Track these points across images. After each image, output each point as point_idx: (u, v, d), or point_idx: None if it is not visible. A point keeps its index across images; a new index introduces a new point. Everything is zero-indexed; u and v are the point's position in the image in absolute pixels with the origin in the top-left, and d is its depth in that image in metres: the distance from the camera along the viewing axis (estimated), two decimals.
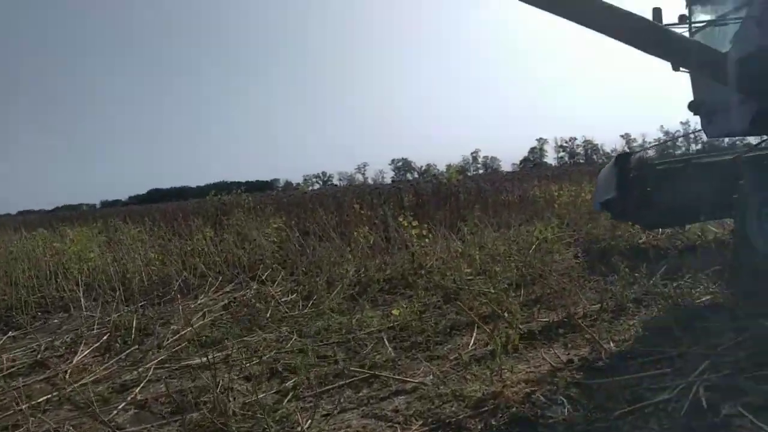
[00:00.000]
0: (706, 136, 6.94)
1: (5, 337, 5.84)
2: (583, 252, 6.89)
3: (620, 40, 5.90)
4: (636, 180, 6.83)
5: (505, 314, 4.98)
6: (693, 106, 6.64)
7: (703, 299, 4.88)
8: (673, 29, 6.34)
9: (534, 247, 6.82)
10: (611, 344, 4.08)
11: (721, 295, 4.95)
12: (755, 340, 3.92)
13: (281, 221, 12.09)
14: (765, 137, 6.72)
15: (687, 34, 6.60)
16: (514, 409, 3.09)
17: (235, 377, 4.00)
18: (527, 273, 6.10)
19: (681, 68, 6.44)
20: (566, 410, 3.09)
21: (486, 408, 3.14)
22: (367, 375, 3.79)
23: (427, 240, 7.52)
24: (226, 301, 6.73)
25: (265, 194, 20.91)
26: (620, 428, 2.84)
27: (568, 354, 4.06)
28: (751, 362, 3.58)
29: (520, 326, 4.48)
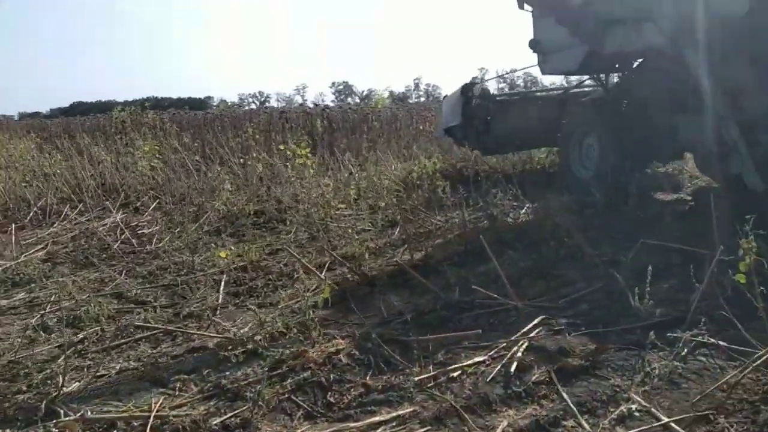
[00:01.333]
0: (542, 73, 7.39)
1: None
2: (467, 187, 6.59)
3: None
4: (478, 109, 7.35)
5: (366, 255, 4.66)
6: (532, 44, 6.92)
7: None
8: None
9: (415, 181, 6.45)
10: (456, 292, 3.77)
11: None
12: (602, 293, 3.72)
13: (177, 144, 11.19)
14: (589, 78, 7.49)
15: None
16: (308, 373, 2.72)
17: (26, 326, 3.48)
18: (401, 210, 5.72)
19: (525, 7, 6.69)
20: (369, 374, 2.76)
21: (279, 371, 2.77)
22: (173, 328, 3.34)
23: (311, 171, 6.99)
24: (77, 232, 6.06)
25: (166, 112, 19.44)
26: (412, 399, 2.52)
27: (409, 303, 3.74)
28: (589, 318, 3.37)
29: (365, 271, 4.12)
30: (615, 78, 7.19)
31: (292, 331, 3.08)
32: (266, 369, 2.81)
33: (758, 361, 2.58)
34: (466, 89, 7.44)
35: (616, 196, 5.69)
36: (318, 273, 3.84)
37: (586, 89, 7.76)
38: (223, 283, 4.14)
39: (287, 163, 7.09)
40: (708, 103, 4.88)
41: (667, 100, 5.72)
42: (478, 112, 7.36)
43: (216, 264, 4.59)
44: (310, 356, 2.84)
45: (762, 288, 2.61)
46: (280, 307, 3.53)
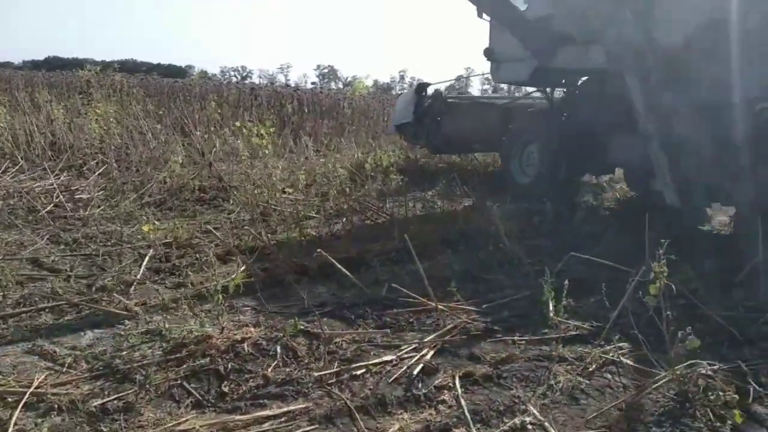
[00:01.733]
0: (494, 81, 7.91)
1: None
2: (423, 183, 6.57)
3: None
4: (430, 109, 7.66)
5: (303, 243, 4.57)
6: (487, 53, 7.16)
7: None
8: None
9: (369, 173, 6.37)
10: (384, 289, 3.71)
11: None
12: (527, 302, 3.70)
13: (138, 109, 10.85)
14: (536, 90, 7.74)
15: None
16: (206, 359, 2.63)
17: None
18: (348, 200, 5.64)
19: (483, 17, 6.86)
20: (272, 365, 2.68)
21: (178, 355, 2.67)
22: (77, 301, 3.20)
23: (266, 151, 6.84)
24: (10, 191, 5.82)
25: (133, 75, 18.80)
26: (308, 395, 2.45)
27: (334, 295, 3.67)
28: (508, 324, 3.34)
29: (296, 259, 4.03)
30: (560, 93, 7.49)
31: (201, 315, 2.97)
32: (166, 352, 2.70)
33: (657, 384, 2.59)
34: (420, 89, 7.71)
35: (565, 207, 5.74)
36: (244, 257, 3.73)
37: (534, 101, 8.13)
38: (147, 258, 4.00)
39: (239, 141, 6.92)
40: (640, 124, 5.16)
41: (604, 118, 6.08)
42: (430, 112, 7.61)
43: (145, 237, 4.43)
44: (213, 342, 2.75)
45: (669, 312, 2.61)
46: (194, 288, 3.41)
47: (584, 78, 6.81)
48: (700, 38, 4.82)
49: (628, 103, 5.26)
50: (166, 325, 2.83)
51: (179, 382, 2.46)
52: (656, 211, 4.54)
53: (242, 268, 3.81)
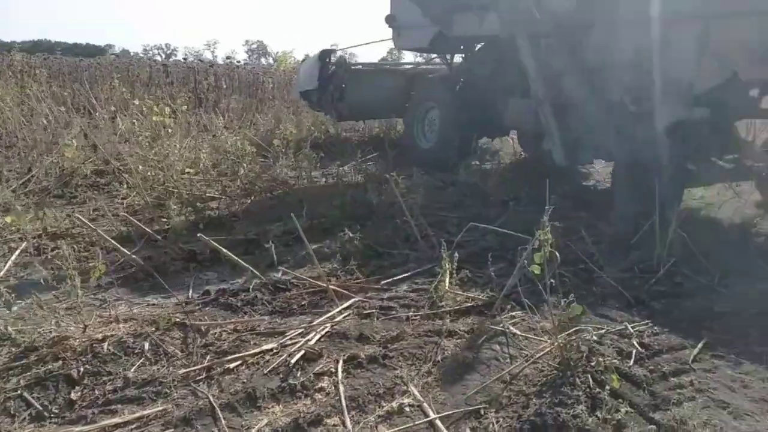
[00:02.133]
0: (395, 47, 7.88)
1: None
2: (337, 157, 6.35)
3: None
4: (334, 75, 7.51)
5: (201, 224, 4.30)
6: (388, 20, 7.19)
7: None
8: None
9: (278, 148, 6.08)
10: (274, 270, 3.51)
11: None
12: (427, 275, 3.58)
13: (36, 91, 10.04)
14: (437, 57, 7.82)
15: None
16: (58, 363, 2.37)
17: None
18: (250, 179, 5.37)
19: None
20: (136, 365, 2.44)
21: (24, 361, 2.38)
22: None
23: (168, 130, 6.41)
24: None
25: (34, 56, 17.33)
26: (169, 395, 2.23)
27: (224, 281, 3.44)
28: (405, 301, 3.21)
29: (182, 246, 3.76)
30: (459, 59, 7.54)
31: (59, 314, 2.68)
32: (12, 358, 2.42)
33: (542, 353, 2.53)
34: (324, 55, 7.51)
35: (469, 172, 5.76)
36: (120, 247, 3.43)
37: (436, 67, 8.16)
38: (17, 252, 3.62)
39: (134, 122, 6.46)
40: (531, 87, 5.26)
41: (499, 82, 6.20)
42: (334, 79, 7.47)
43: (20, 230, 4.04)
44: (69, 343, 2.48)
45: (552, 281, 2.54)
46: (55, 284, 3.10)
47: (481, 44, 6.88)
48: (585, 3, 4.86)
49: (520, 68, 5.32)
50: (11, 328, 2.52)
51: (19, 392, 2.19)
52: (549, 171, 4.62)
53: (122, 259, 3.52)
